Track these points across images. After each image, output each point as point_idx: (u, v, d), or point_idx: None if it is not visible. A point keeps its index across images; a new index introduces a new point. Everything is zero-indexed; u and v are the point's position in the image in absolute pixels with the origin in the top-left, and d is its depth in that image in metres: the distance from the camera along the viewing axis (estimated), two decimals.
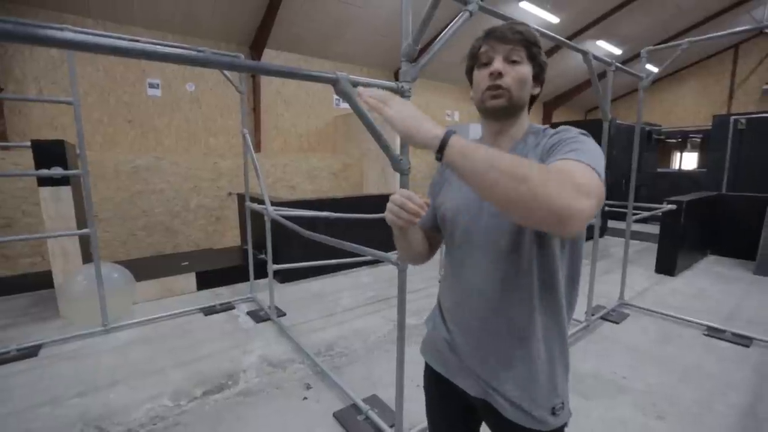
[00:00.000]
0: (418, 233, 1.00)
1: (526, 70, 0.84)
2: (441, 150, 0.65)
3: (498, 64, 0.83)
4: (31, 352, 2.69)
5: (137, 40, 2.53)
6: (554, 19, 9.05)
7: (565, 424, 0.88)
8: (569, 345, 2.62)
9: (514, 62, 0.83)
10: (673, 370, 2.52)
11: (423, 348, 1.06)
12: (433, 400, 1.05)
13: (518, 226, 0.80)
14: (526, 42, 0.84)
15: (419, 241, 1.00)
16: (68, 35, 0.89)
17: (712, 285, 4.26)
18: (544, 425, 0.84)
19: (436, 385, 1.01)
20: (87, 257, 3.41)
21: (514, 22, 0.88)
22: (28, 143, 3.11)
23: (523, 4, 8.34)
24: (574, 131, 0.78)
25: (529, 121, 0.91)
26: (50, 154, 3.10)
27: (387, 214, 0.82)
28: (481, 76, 0.86)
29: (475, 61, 0.89)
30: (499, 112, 0.86)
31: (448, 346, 0.95)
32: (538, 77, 0.88)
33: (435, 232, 1.05)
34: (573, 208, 0.57)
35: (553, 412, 0.84)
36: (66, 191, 3.23)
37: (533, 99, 0.90)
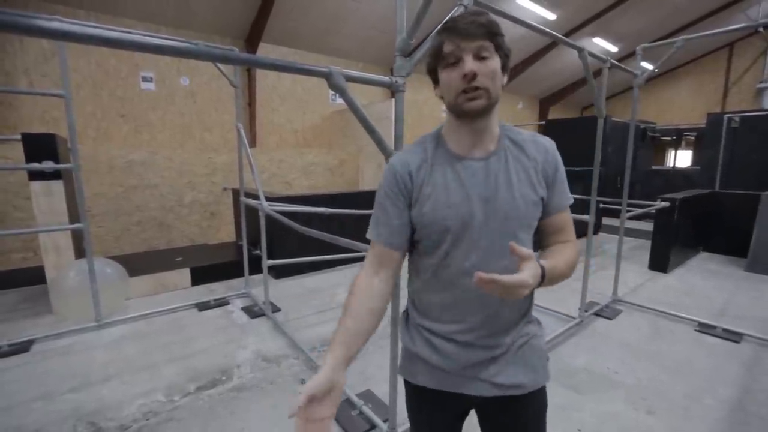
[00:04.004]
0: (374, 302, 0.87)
1: (496, 63, 0.81)
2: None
3: (471, 65, 0.78)
4: (22, 347, 2.67)
5: (129, 32, 2.49)
6: (551, 16, 9.05)
7: None
8: (563, 341, 2.62)
9: (483, 58, 0.79)
10: (665, 365, 2.55)
11: (404, 369, 0.98)
12: (419, 421, 1.01)
13: (512, 228, 0.86)
14: (491, 34, 0.79)
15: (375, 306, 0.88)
16: (57, 25, 0.88)
17: (704, 281, 4.30)
18: (547, 376, 0.95)
19: (427, 403, 0.97)
20: (80, 253, 3.38)
21: (473, 12, 0.82)
22: (19, 136, 3.07)
23: (520, 0, 8.33)
24: (553, 151, 0.92)
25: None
26: (41, 147, 3.06)
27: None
28: (451, 77, 0.80)
29: (439, 60, 0.82)
30: (480, 113, 0.82)
31: (445, 357, 0.90)
32: (505, 66, 0.84)
33: (399, 250, 0.91)
34: None
35: (547, 358, 0.97)
36: (57, 185, 3.19)
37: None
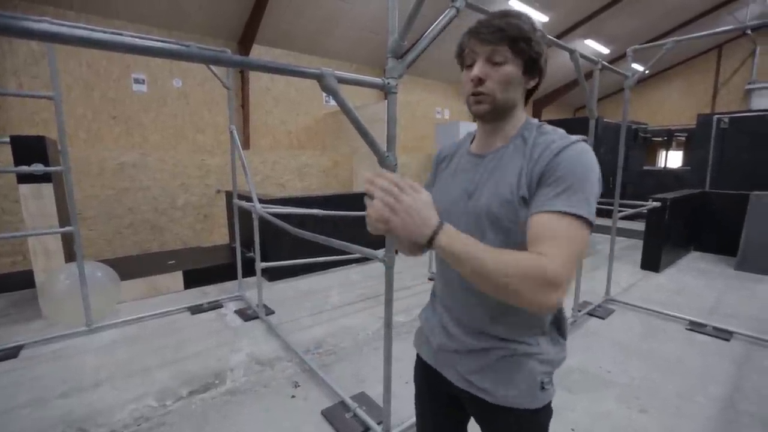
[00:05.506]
0: None
1: (510, 70, 0.79)
2: (430, 241, 0.68)
3: (477, 71, 0.79)
4: (11, 353, 2.62)
5: (120, 34, 2.47)
6: (543, 18, 9.12)
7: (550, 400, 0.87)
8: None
9: (496, 63, 0.78)
10: (656, 364, 2.57)
11: (415, 340, 1.08)
12: (421, 390, 1.06)
13: (495, 231, 0.81)
14: (508, 39, 0.77)
15: None
16: (46, 27, 0.87)
17: (695, 280, 4.35)
18: (534, 401, 0.83)
19: (424, 375, 1.03)
20: (70, 256, 3.34)
21: (497, 14, 0.80)
22: (7, 139, 3.02)
23: (512, 2, 8.38)
24: (556, 149, 0.75)
25: (525, 115, 0.87)
26: (30, 150, 3.01)
27: (376, 219, 0.69)
28: (465, 79, 0.83)
29: (462, 61, 0.85)
30: (484, 117, 0.84)
31: (435, 336, 0.96)
32: (533, 69, 0.82)
33: None
34: (543, 305, 0.65)
35: (542, 387, 0.84)
36: (47, 188, 3.15)
37: (531, 91, 0.86)
